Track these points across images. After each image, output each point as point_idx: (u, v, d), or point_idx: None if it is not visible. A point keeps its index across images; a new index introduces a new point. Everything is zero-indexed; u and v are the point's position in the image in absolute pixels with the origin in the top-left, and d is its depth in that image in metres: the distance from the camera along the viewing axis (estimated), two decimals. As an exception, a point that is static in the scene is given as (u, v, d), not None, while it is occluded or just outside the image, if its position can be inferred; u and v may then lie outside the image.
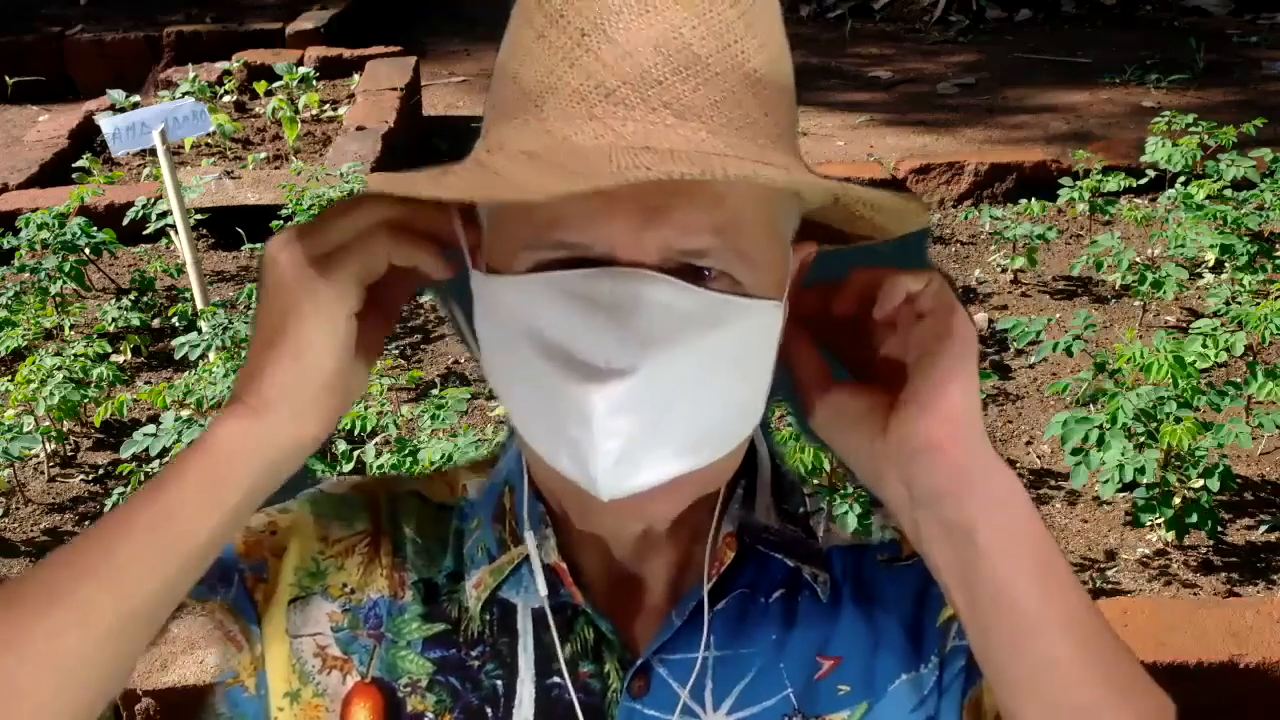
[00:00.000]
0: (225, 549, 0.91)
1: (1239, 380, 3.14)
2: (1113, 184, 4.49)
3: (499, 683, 0.91)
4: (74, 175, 5.24)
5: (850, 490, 2.79)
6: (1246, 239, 3.95)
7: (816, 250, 0.88)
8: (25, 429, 3.24)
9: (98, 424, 3.49)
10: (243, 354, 3.47)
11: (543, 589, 0.90)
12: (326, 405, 0.81)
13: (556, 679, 0.91)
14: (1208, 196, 4.24)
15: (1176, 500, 2.88)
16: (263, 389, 0.79)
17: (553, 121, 0.75)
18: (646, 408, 0.76)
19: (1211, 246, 3.95)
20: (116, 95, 5.82)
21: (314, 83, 6.27)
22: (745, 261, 0.78)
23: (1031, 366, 3.73)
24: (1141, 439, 2.88)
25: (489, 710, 0.91)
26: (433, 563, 0.94)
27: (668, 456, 0.78)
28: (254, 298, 3.84)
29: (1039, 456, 3.35)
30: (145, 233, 4.51)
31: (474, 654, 0.92)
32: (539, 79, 0.76)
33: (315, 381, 0.80)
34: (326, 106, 6.11)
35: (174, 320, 3.99)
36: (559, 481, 0.82)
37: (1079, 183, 4.45)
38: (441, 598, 0.93)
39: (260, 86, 6.25)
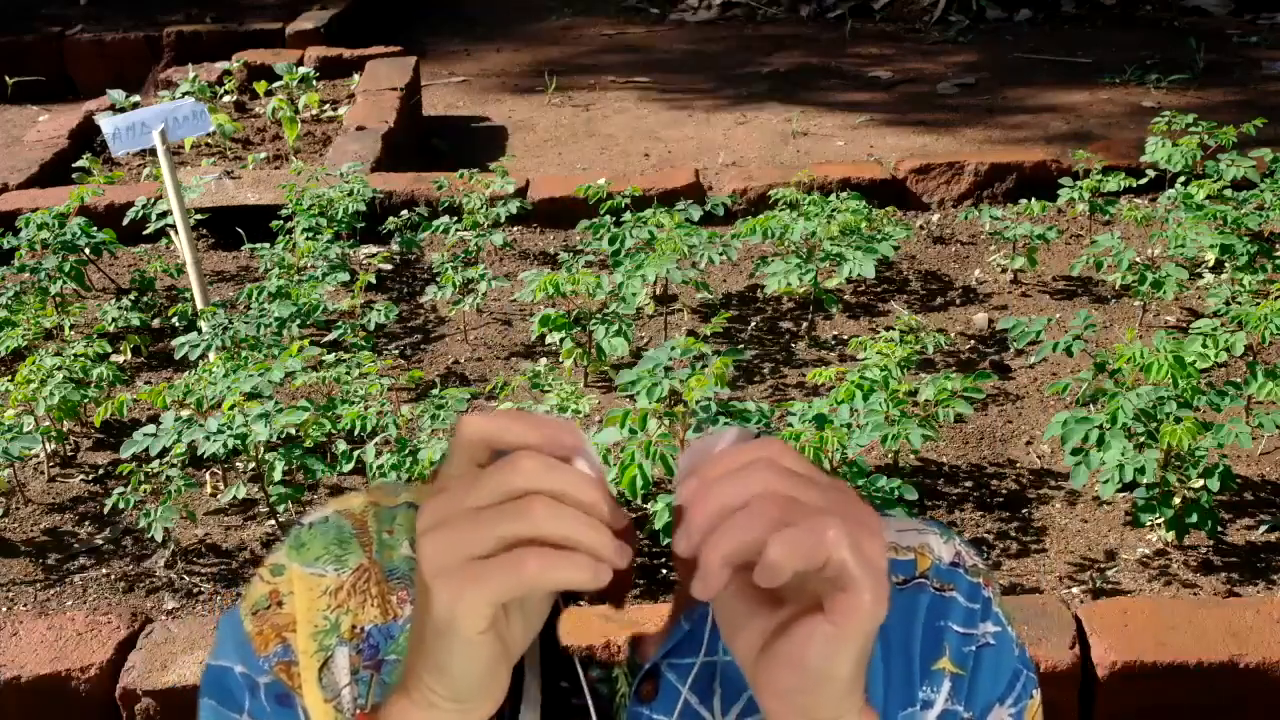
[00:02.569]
0: (241, 652, 0.94)
1: (1239, 380, 3.14)
2: (1113, 184, 4.48)
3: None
4: (74, 175, 5.24)
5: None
6: (1246, 239, 3.95)
7: None
8: (25, 429, 3.24)
9: (98, 424, 3.49)
10: (243, 354, 3.47)
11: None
12: (488, 693, 0.78)
13: (565, 683, 0.91)
14: (1208, 196, 4.24)
15: (1176, 500, 2.88)
16: (422, 691, 0.78)
17: None
18: None
19: (1211, 246, 3.95)
20: (116, 95, 5.82)
21: (314, 83, 6.27)
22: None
23: (1031, 366, 3.73)
24: (1141, 439, 2.88)
25: (495, 717, 0.91)
26: None
27: None
28: (252, 298, 3.84)
29: (1039, 456, 3.35)
30: (145, 233, 4.51)
31: None
32: None
33: (465, 689, 0.77)
34: (326, 106, 6.11)
35: (174, 320, 3.99)
36: None
37: (1079, 183, 4.45)
38: None
39: (260, 86, 6.25)
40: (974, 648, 0.94)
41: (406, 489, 1.00)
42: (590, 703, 0.89)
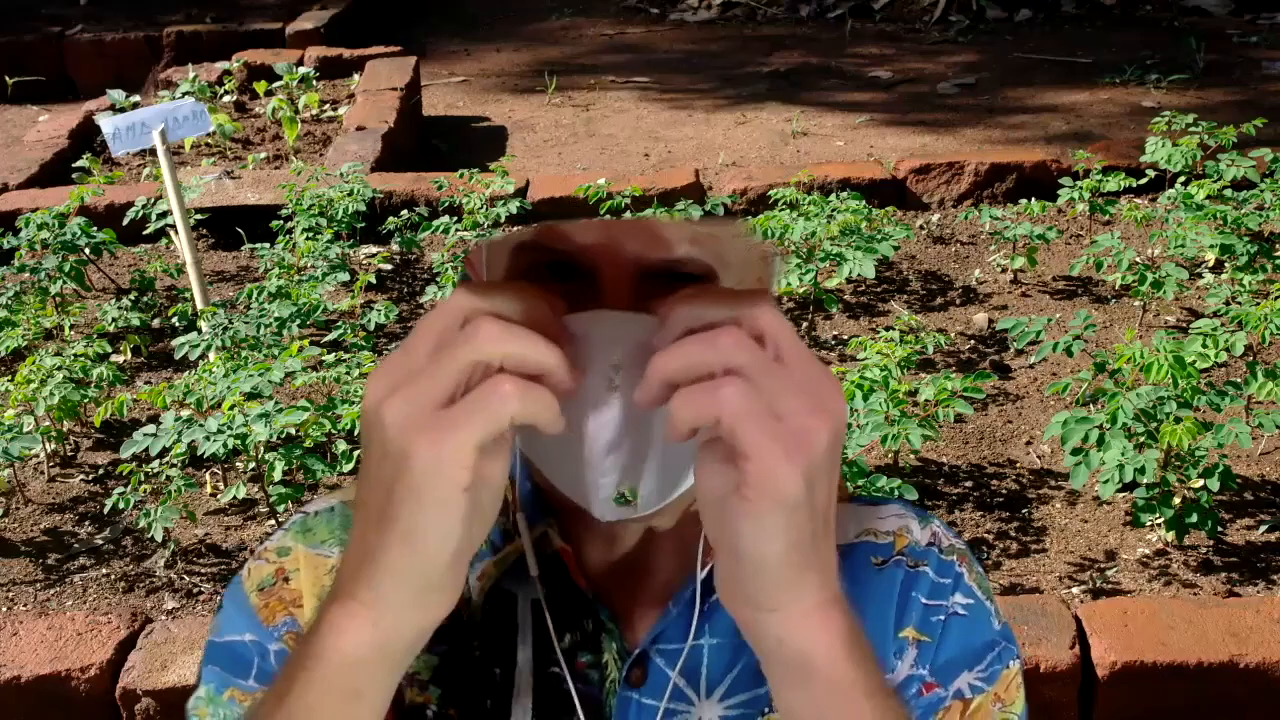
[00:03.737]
0: (249, 623, 0.94)
1: (1239, 380, 3.14)
2: (1113, 184, 4.48)
3: (498, 672, 0.92)
4: (74, 175, 5.24)
5: (849, 490, 2.80)
6: (1246, 239, 3.95)
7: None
8: (25, 429, 3.24)
9: (98, 424, 3.49)
10: (243, 354, 3.47)
11: (533, 568, 0.91)
12: (448, 584, 0.72)
13: (555, 669, 0.92)
14: (1208, 196, 4.24)
15: (1176, 500, 2.88)
16: (376, 581, 0.71)
17: None
18: (636, 435, 0.78)
19: (1211, 246, 3.95)
20: (116, 95, 5.82)
21: (314, 83, 6.27)
22: (725, 269, 0.84)
23: (1031, 366, 3.73)
24: (1141, 439, 2.88)
25: (488, 700, 0.92)
26: None
27: (658, 488, 0.80)
28: (252, 298, 3.84)
29: (1039, 456, 3.35)
30: (145, 233, 4.51)
31: (474, 645, 0.93)
32: None
33: (434, 567, 0.70)
34: (326, 106, 6.11)
35: (174, 320, 3.99)
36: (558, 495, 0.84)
37: (1079, 183, 4.45)
38: None
39: (260, 86, 6.25)
40: (942, 617, 0.96)
41: None
42: (577, 688, 0.91)
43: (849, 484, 2.82)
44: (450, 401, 0.68)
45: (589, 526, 0.90)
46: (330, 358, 3.44)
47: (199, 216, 4.56)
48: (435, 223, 4.46)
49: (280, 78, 6.25)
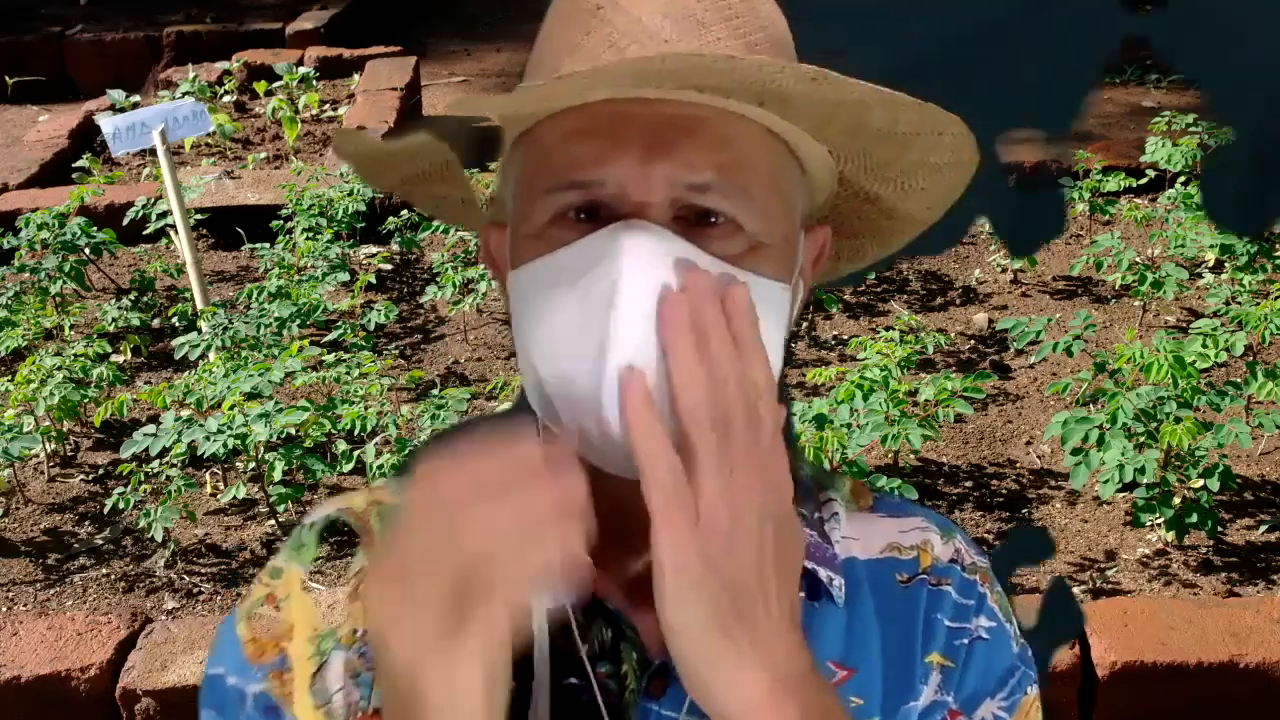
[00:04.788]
0: (234, 660, 0.91)
1: (1239, 380, 3.14)
2: (1113, 184, 4.48)
3: (514, 684, 0.90)
4: (74, 175, 5.24)
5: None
6: (1246, 239, 3.95)
7: (830, 237, 0.90)
8: (25, 429, 3.24)
9: (98, 424, 3.49)
10: (243, 354, 3.47)
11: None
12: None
13: (573, 679, 0.89)
14: (1208, 196, 4.24)
15: (1176, 500, 2.88)
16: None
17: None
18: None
19: (1211, 246, 3.95)
20: (116, 95, 5.82)
21: (314, 83, 6.26)
22: (751, 204, 0.80)
23: (1031, 366, 3.73)
24: (1141, 439, 2.88)
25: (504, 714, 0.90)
26: None
27: None
28: (252, 298, 3.83)
29: (1039, 456, 3.35)
30: (145, 233, 4.51)
31: None
32: (556, 49, 0.83)
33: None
34: (326, 106, 6.10)
35: (174, 320, 3.99)
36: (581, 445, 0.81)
37: (1079, 183, 4.45)
38: None
39: (260, 86, 6.25)
40: (966, 641, 0.94)
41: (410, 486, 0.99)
42: (600, 699, 0.88)
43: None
44: (456, 613, 0.68)
45: (605, 535, 0.89)
46: (330, 358, 3.44)
47: (199, 216, 4.56)
48: (435, 223, 4.46)
49: (280, 78, 6.24)
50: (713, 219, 0.79)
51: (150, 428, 3.04)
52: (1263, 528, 3.02)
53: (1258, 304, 3.47)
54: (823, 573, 0.91)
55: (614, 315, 0.74)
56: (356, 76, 6.40)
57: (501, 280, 0.89)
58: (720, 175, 0.79)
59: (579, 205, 0.80)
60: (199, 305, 3.85)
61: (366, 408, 3.15)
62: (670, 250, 0.76)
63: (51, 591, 2.95)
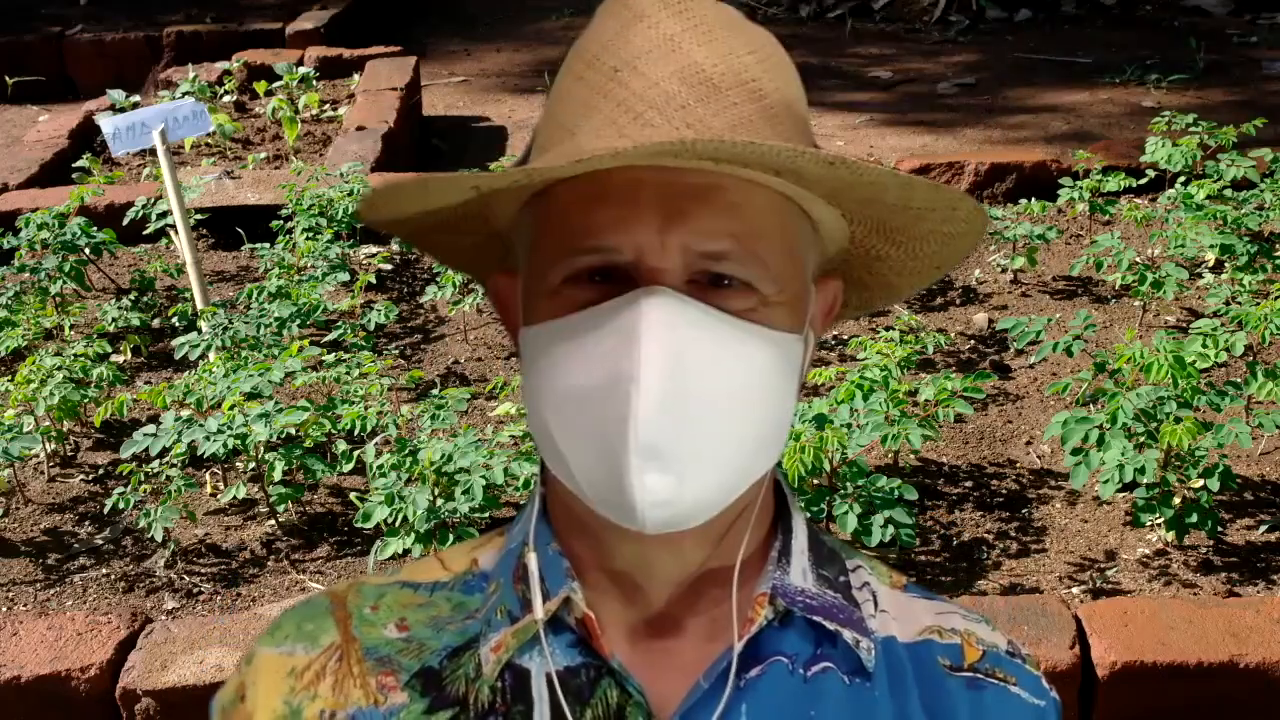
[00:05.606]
0: None
1: (1239, 380, 3.14)
2: (1113, 184, 4.48)
3: None
4: (74, 175, 5.24)
5: (849, 490, 2.79)
6: (1246, 239, 3.95)
7: (842, 289, 0.92)
8: (25, 429, 3.24)
9: (98, 424, 3.49)
10: (243, 354, 3.47)
11: (540, 611, 0.87)
12: None
13: None
14: (1208, 196, 4.24)
15: (1176, 500, 2.88)
16: None
17: (584, 140, 0.81)
18: (677, 424, 0.79)
19: (1211, 246, 3.95)
20: (116, 95, 5.82)
21: (314, 83, 6.27)
22: (765, 270, 0.82)
23: (1031, 366, 3.73)
24: (1141, 439, 2.88)
25: None
26: (425, 649, 0.90)
27: (701, 474, 0.81)
28: (252, 298, 3.84)
29: (1039, 456, 3.35)
30: (145, 233, 4.51)
31: None
32: (573, 111, 0.83)
33: None
34: (326, 106, 6.11)
35: (174, 320, 3.99)
36: (590, 519, 0.84)
37: (1079, 183, 4.45)
38: (444, 681, 0.89)
39: (260, 86, 6.25)
40: None
41: (395, 573, 0.97)
42: None
43: (848, 485, 2.82)
44: None
45: (611, 593, 0.87)
46: (330, 358, 3.44)
47: (199, 216, 4.56)
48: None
49: (280, 78, 6.24)
50: (726, 281, 0.81)
51: (150, 428, 3.04)
52: (1263, 528, 3.02)
53: (1258, 304, 3.47)
54: (847, 634, 0.90)
55: (635, 390, 0.78)
56: (356, 76, 6.41)
57: (510, 328, 0.91)
58: (735, 243, 0.81)
59: (595, 267, 0.82)
60: (199, 305, 3.85)
61: (366, 408, 3.15)
62: (688, 319, 0.79)
63: (51, 591, 2.95)
